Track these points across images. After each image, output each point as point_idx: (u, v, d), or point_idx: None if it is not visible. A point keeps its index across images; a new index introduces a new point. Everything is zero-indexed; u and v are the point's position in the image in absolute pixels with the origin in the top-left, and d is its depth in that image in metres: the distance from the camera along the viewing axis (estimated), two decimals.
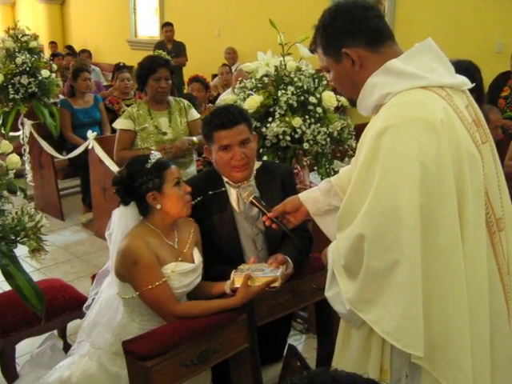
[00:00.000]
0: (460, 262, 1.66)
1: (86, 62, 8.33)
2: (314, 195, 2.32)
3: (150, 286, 2.38)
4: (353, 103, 1.94)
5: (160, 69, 4.25)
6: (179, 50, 9.38)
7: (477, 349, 1.72)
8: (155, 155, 2.50)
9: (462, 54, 3.67)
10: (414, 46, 1.81)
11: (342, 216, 1.83)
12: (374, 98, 1.80)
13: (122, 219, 2.54)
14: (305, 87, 3.49)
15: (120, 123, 4.32)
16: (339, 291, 1.80)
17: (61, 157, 6.00)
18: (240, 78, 3.79)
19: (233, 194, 2.72)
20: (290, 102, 3.44)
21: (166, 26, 9.65)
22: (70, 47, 11.81)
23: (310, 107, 3.47)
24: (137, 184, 2.45)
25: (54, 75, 6.28)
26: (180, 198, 2.49)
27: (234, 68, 8.57)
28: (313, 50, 1.98)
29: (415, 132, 1.63)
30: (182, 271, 2.47)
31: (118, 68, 6.58)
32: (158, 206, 2.46)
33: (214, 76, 8.87)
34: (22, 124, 6.25)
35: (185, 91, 6.60)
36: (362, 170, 1.73)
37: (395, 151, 1.64)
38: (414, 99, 1.71)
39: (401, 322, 1.62)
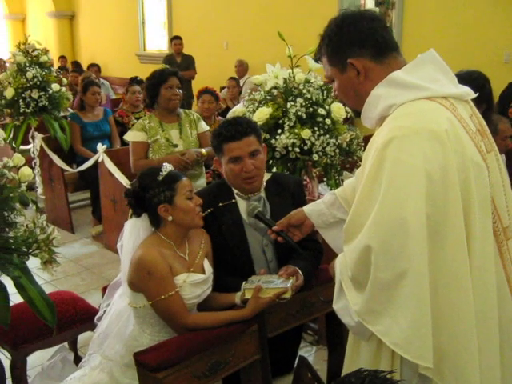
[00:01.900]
0: (466, 271, 1.66)
1: (91, 76, 8.40)
2: (318, 208, 2.32)
3: (162, 296, 2.38)
4: (357, 114, 1.94)
5: (171, 77, 4.30)
6: (188, 63, 9.45)
7: (486, 359, 1.72)
8: (167, 167, 2.51)
9: (469, 65, 3.68)
10: (416, 58, 1.82)
11: (348, 228, 1.83)
12: (378, 110, 1.80)
13: (133, 231, 2.55)
14: (313, 99, 3.51)
15: (133, 136, 4.34)
16: (347, 303, 1.79)
17: (71, 170, 6.04)
18: (249, 91, 3.82)
19: (243, 205, 2.72)
20: (299, 113, 3.45)
21: (175, 40, 9.71)
22: (76, 63, 11.87)
23: (319, 119, 3.48)
24: (148, 196, 2.46)
25: (64, 89, 6.32)
26: (191, 210, 2.49)
27: (242, 81, 8.60)
28: (318, 59, 1.99)
29: (420, 142, 1.64)
30: (193, 282, 2.48)
31: (133, 81, 6.63)
32: (170, 218, 2.47)
33: (223, 89, 8.91)
34: (33, 137, 6.30)
35: (193, 104, 6.62)
36: (368, 182, 1.73)
37: (401, 162, 1.65)
38: (418, 110, 1.71)
39: (410, 333, 1.62)
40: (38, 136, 6.21)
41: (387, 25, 1.90)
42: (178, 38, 9.75)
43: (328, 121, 3.50)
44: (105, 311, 2.69)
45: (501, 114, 4.67)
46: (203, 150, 4.34)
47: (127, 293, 2.52)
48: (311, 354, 3.67)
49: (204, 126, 4.53)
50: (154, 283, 2.39)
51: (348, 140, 3.59)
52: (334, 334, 2.87)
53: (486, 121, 1.92)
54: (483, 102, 3.12)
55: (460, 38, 6.94)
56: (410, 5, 7.55)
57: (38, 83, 6.05)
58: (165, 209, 2.46)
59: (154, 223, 2.54)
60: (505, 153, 3.96)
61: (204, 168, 4.57)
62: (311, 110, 3.49)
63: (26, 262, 2.44)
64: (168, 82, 4.28)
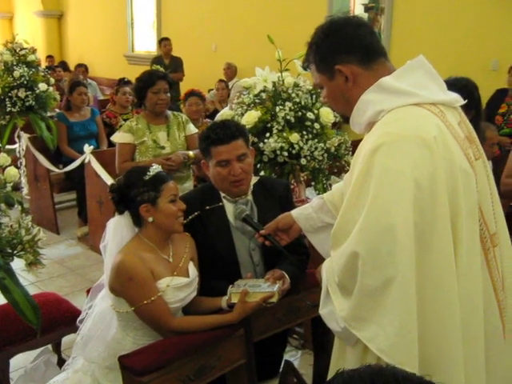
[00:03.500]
0: (453, 279, 1.66)
1: (78, 77, 8.36)
2: (306, 212, 2.32)
3: (145, 302, 2.36)
4: (345, 120, 1.94)
5: (159, 81, 4.27)
6: (176, 64, 9.42)
7: (472, 365, 1.72)
8: (155, 168, 2.50)
9: (457, 72, 3.70)
10: (406, 64, 1.83)
11: (335, 233, 1.83)
12: (366, 116, 1.80)
13: (116, 230, 2.53)
14: (302, 103, 3.51)
15: (120, 137, 4.32)
16: (333, 309, 1.79)
17: (57, 170, 6.00)
18: (238, 94, 3.81)
19: (230, 208, 2.71)
20: (288, 117, 3.45)
21: (164, 41, 9.68)
22: (63, 63, 11.78)
23: (308, 123, 3.49)
24: (132, 194, 2.44)
25: (51, 89, 6.29)
26: (172, 214, 2.48)
27: (231, 84, 8.59)
28: (306, 67, 1.99)
29: (409, 149, 1.64)
30: (177, 285, 2.46)
31: (120, 82, 6.60)
32: (150, 219, 2.45)
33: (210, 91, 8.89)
34: (19, 137, 6.26)
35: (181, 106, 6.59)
36: (356, 188, 1.73)
37: (389, 169, 1.65)
38: (407, 116, 1.71)
39: (396, 339, 1.61)
40: (24, 136, 6.18)
41: (374, 30, 1.91)
42: (166, 39, 9.72)
43: (316, 125, 3.51)
44: (87, 314, 2.67)
45: (488, 120, 4.71)
46: (190, 153, 4.32)
47: (110, 296, 2.50)
48: (297, 358, 3.66)
49: (192, 129, 4.51)
50: (136, 289, 2.37)
51: (336, 145, 3.60)
52: (320, 339, 2.87)
53: (474, 128, 1.93)
54: (472, 109, 3.15)
55: (448, 45, 6.98)
56: (398, 11, 7.59)
57: (25, 82, 6.02)
58: (146, 209, 2.44)
59: (135, 222, 2.53)
60: (491, 159, 3.99)
61: (192, 171, 4.55)
62: (300, 114, 3.49)
63: (11, 263, 2.42)
64: (155, 85, 4.25)
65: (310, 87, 3.62)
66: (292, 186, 3.59)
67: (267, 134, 3.46)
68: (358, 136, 1.90)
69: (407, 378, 1.09)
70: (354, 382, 1.06)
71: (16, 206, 2.51)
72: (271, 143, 3.42)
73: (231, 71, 9.17)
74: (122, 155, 4.29)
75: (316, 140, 3.49)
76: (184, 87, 8.38)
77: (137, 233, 2.53)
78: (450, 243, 1.66)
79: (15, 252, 2.38)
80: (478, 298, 1.74)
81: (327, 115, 3.53)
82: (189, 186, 4.37)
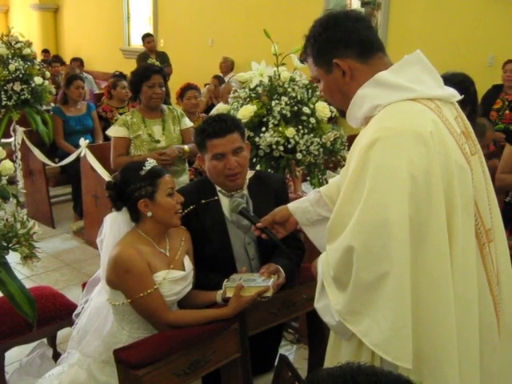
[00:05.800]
0: (448, 274, 1.67)
1: (74, 70, 8.33)
2: (303, 205, 2.32)
3: (141, 294, 2.37)
4: (342, 114, 1.94)
5: (154, 75, 4.27)
6: (163, 60, 9.32)
7: (466, 360, 1.72)
8: (150, 162, 2.50)
9: (454, 67, 3.70)
10: (403, 58, 1.82)
11: (331, 227, 1.83)
12: (363, 110, 1.80)
13: (114, 225, 2.53)
14: (298, 97, 3.51)
15: (115, 131, 4.33)
16: (328, 303, 1.79)
17: (52, 164, 5.98)
18: (233, 89, 3.81)
19: (225, 202, 2.71)
20: (284, 112, 3.45)
21: (147, 38, 9.62)
22: (58, 58, 11.70)
23: (304, 117, 3.49)
24: (129, 190, 2.45)
25: (47, 82, 6.27)
26: (171, 207, 2.48)
27: (227, 78, 8.57)
28: (303, 60, 1.99)
29: (405, 144, 1.64)
30: (173, 279, 2.47)
31: (117, 76, 6.56)
32: (149, 214, 2.46)
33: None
34: (14, 131, 6.24)
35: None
36: (352, 182, 1.73)
37: (385, 163, 1.65)
38: (403, 111, 1.72)
39: (390, 334, 1.62)
40: (20, 129, 6.15)
41: (372, 25, 1.90)
42: (149, 35, 9.67)
43: (312, 120, 3.50)
44: (83, 308, 2.67)
45: (483, 116, 4.72)
46: (186, 147, 4.33)
47: (106, 289, 2.50)
48: (292, 352, 3.67)
49: (187, 123, 4.52)
50: (132, 281, 2.37)
51: (332, 139, 3.60)
52: (315, 333, 2.88)
53: (470, 123, 1.93)
54: (468, 105, 3.14)
55: (445, 40, 6.98)
56: (395, 6, 7.59)
57: (21, 76, 6.00)
58: (145, 204, 2.45)
59: (133, 218, 2.53)
60: (487, 155, 4.00)
61: (187, 164, 4.55)
62: (296, 108, 3.49)
63: (6, 257, 2.41)
64: (150, 79, 4.25)
65: (306, 82, 3.62)
66: (287, 181, 3.59)
67: (263, 129, 3.45)
68: (354, 131, 1.90)
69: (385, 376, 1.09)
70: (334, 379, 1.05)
71: (11, 199, 2.51)
72: (267, 137, 3.42)
73: (227, 65, 9.15)
74: (117, 149, 4.29)
75: (312, 135, 3.49)
76: (180, 82, 8.31)
77: (133, 227, 2.53)
78: (446, 238, 1.67)
79: (10, 245, 2.38)
80: (473, 293, 1.74)
81: (323, 110, 3.53)
82: (184, 179, 4.37)
